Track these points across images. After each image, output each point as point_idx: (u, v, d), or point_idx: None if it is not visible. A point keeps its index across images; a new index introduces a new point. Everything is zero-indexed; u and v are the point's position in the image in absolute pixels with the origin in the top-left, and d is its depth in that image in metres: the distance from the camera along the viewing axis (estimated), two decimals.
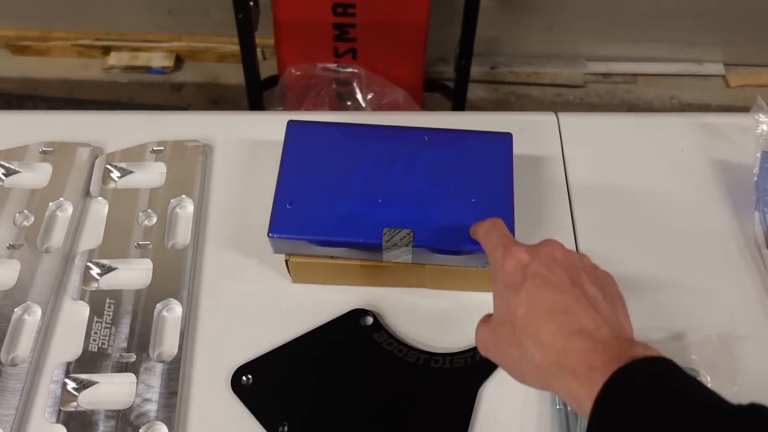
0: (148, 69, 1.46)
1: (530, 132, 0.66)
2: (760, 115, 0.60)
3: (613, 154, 0.66)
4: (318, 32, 1.14)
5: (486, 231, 0.47)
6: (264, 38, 1.27)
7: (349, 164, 0.55)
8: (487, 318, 0.46)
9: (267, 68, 1.35)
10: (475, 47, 1.21)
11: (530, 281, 0.42)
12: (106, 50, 1.46)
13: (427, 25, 1.14)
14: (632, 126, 0.69)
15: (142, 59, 1.45)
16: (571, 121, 0.68)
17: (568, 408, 0.51)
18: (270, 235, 0.52)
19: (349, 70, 1.15)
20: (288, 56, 1.18)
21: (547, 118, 0.68)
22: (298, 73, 1.13)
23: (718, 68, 1.46)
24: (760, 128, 0.60)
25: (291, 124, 0.58)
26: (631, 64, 1.46)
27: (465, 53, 1.16)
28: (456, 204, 0.53)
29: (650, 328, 0.55)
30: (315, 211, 0.53)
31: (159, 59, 1.45)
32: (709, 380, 0.52)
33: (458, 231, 0.52)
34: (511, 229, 0.52)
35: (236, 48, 1.25)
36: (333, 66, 1.14)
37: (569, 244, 0.60)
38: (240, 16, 1.10)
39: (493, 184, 0.54)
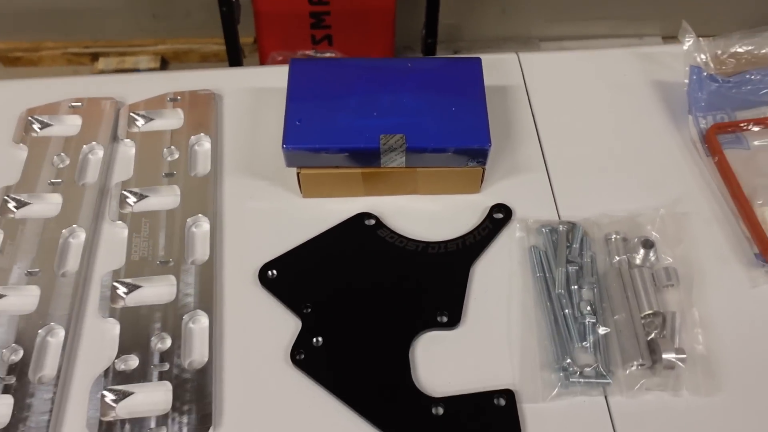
0: (135, 71, 1.55)
1: (495, 67, 0.77)
2: (686, 36, 0.72)
3: (568, 81, 0.77)
4: (296, 21, 1.25)
5: None
6: (243, 37, 1.37)
7: (347, 88, 0.65)
8: None
9: (247, 65, 1.44)
10: (438, 33, 1.33)
11: None
12: (95, 56, 1.55)
13: (394, 9, 1.25)
14: (582, 59, 0.80)
15: (129, 62, 1.54)
16: (530, 57, 0.79)
17: (546, 274, 0.61)
18: (284, 146, 0.61)
19: (327, 55, 1.25)
20: (268, 46, 1.28)
21: (509, 56, 0.79)
22: (279, 58, 1.22)
23: (656, 41, 1.61)
24: (686, 46, 0.72)
25: (294, 61, 0.67)
26: (580, 42, 1.59)
27: (430, 33, 1.27)
28: (439, 113, 0.63)
29: (612, 210, 0.65)
30: (321, 125, 0.62)
31: (145, 62, 1.54)
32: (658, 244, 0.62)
33: (443, 133, 0.62)
34: (486, 134, 0.62)
35: (218, 47, 1.35)
36: (311, 52, 1.25)
37: (535, 149, 0.70)
38: (224, 9, 1.20)
39: (469, 96, 0.65)
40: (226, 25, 1.24)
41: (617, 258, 0.62)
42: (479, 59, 0.68)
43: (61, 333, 0.57)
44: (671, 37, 1.66)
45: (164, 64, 1.58)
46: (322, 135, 0.62)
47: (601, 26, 1.55)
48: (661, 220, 0.64)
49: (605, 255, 0.63)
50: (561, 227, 0.64)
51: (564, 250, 0.62)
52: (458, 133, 0.62)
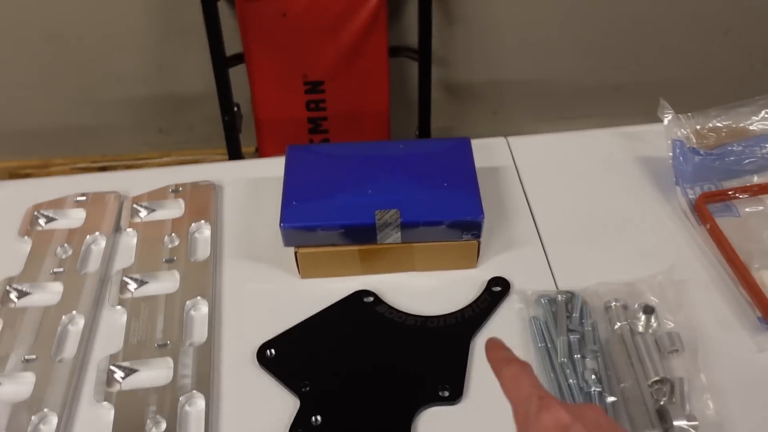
0: None
1: (485, 151, 0.80)
2: (665, 111, 0.75)
3: (556, 160, 0.80)
4: (294, 127, 1.31)
5: (515, 377, 0.42)
6: (245, 146, 1.43)
7: (342, 169, 0.67)
8: None
9: None
10: (431, 135, 1.39)
11: None
12: (103, 170, 1.60)
13: (388, 113, 1.31)
14: (569, 140, 0.83)
15: None
16: (519, 140, 0.82)
17: (548, 344, 0.60)
18: (281, 225, 0.63)
19: None
20: (269, 151, 1.33)
21: (498, 140, 0.82)
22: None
23: None
24: (666, 121, 0.75)
25: (290, 148, 0.70)
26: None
27: (423, 133, 1.33)
28: (432, 188, 0.65)
29: (609, 279, 0.65)
30: (317, 204, 0.64)
31: None
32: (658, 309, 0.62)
33: (436, 207, 0.63)
34: (479, 206, 0.64)
35: (220, 158, 1.40)
36: None
37: (529, 223, 0.72)
38: (226, 118, 1.26)
39: (460, 172, 0.67)
40: (228, 133, 1.30)
41: (618, 325, 0.61)
42: (468, 139, 0.71)
43: (54, 420, 0.56)
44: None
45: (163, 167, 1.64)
46: (319, 213, 0.63)
47: (587, 123, 1.61)
48: (659, 286, 0.64)
49: (606, 323, 0.62)
50: (560, 297, 0.64)
51: (564, 320, 0.62)
52: (451, 206, 0.64)
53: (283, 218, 0.63)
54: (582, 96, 1.58)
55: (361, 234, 0.64)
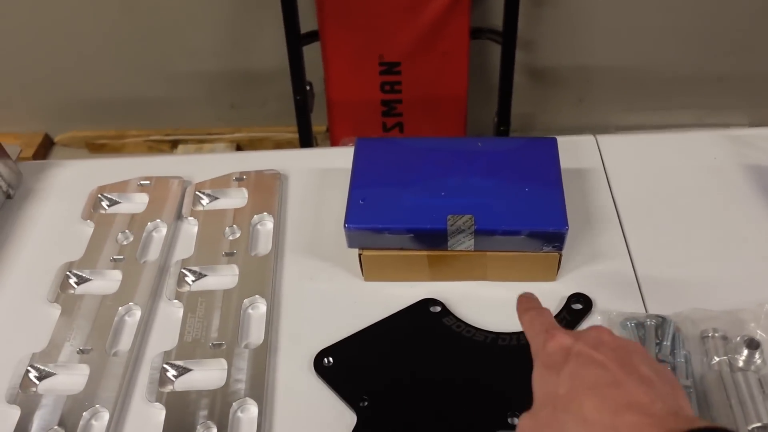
0: None
1: (572, 150, 0.73)
2: None
3: (650, 165, 0.72)
4: (367, 109, 1.26)
5: (531, 319, 0.45)
6: (316, 125, 1.40)
7: (414, 167, 0.62)
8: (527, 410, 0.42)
9: None
10: (511, 122, 1.31)
11: (573, 360, 0.39)
12: (174, 143, 1.61)
13: (466, 98, 1.25)
14: (666, 141, 0.75)
15: (206, 149, 1.60)
16: (609, 139, 0.75)
17: None
18: (346, 226, 0.59)
19: None
20: (340, 133, 1.30)
21: (587, 138, 0.75)
22: (350, 144, 1.23)
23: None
24: None
25: (360, 140, 0.66)
26: (661, 132, 1.54)
27: (503, 121, 1.26)
28: (511, 193, 0.59)
29: (707, 305, 0.58)
30: (385, 204, 0.59)
31: (221, 149, 1.59)
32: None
33: (515, 214, 0.58)
34: (563, 216, 0.58)
35: (291, 135, 1.37)
36: None
37: (617, 235, 0.65)
38: (298, 97, 1.23)
39: (544, 177, 0.61)
40: (299, 113, 1.27)
41: (716, 359, 0.54)
42: (554, 139, 0.64)
43: (105, 416, 0.54)
44: (760, 126, 1.59)
45: (239, 150, 1.63)
46: (386, 214, 0.59)
47: (684, 115, 1.49)
48: (766, 316, 0.56)
49: (701, 355, 0.55)
50: (649, 321, 0.57)
51: (653, 348, 0.55)
52: (532, 215, 0.58)
53: (348, 219, 0.59)
54: (679, 85, 1.46)
55: (431, 239, 0.59)
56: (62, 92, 1.59)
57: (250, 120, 1.59)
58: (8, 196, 0.73)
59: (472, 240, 0.58)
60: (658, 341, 0.56)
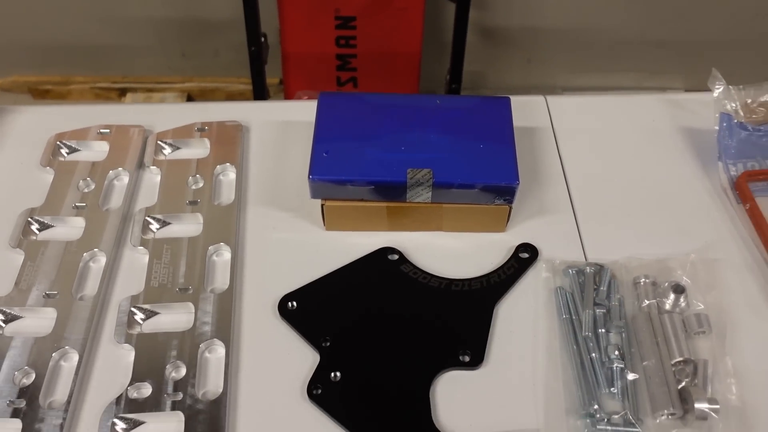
0: None
1: (523, 109, 0.76)
2: (716, 83, 0.71)
3: (595, 124, 0.77)
4: (322, 63, 1.27)
5: None
6: (269, 77, 1.39)
7: (375, 122, 0.65)
8: None
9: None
10: (462, 80, 1.34)
11: None
12: (123, 92, 1.58)
13: (420, 55, 1.27)
14: (610, 103, 0.80)
15: (156, 99, 1.57)
16: (558, 100, 0.79)
17: (572, 316, 0.59)
18: (311, 177, 0.61)
19: None
20: (295, 86, 1.30)
21: (537, 99, 0.79)
22: (305, 98, 1.24)
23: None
24: (716, 93, 0.71)
25: (323, 94, 0.68)
26: (603, 94, 1.60)
27: (455, 79, 1.29)
28: (467, 149, 0.63)
29: (640, 254, 0.63)
30: (348, 157, 0.62)
31: (172, 98, 1.57)
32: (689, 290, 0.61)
33: (470, 169, 0.61)
34: (515, 171, 0.62)
35: (243, 87, 1.37)
36: None
37: (562, 190, 0.70)
38: (252, 48, 1.23)
39: (498, 134, 0.64)
40: (253, 64, 1.26)
41: (646, 302, 0.60)
42: (508, 98, 0.68)
43: (75, 357, 0.56)
44: (694, 91, 1.67)
45: (189, 101, 1.61)
46: (349, 167, 0.61)
47: (625, 78, 1.56)
48: (692, 265, 0.62)
49: (633, 299, 0.61)
50: (588, 269, 0.62)
51: (591, 293, 0.61)
52: (486, 170, 0.61)
53: (313, 170, 0.61)
54: (622, 49, 1.52)
55: (391, 191, 0.62)
56: (4, 35, 1.53)
57: (201, 70, 1.57)
58: None
59: (430, 192, 0.62)
60: (596, 287, 0.61)
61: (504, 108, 0.67)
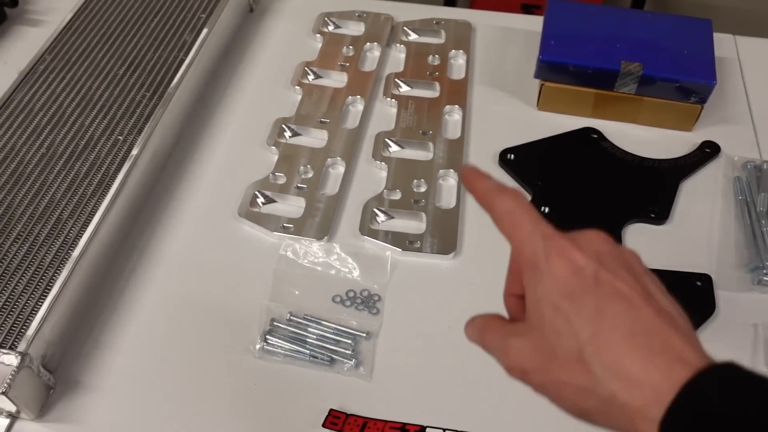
0: None
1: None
2: None
3: None
4: None
5: (510, 211, 0.37)
6: None
7: (595, 23, 0.79)
8: (506, 325, 0.37)
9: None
10: None
11: (594, 292, 0.33)
12: None
13: None
14: None
15: None
16: (749, 42, 0.89)
17: (747, 198, 0.70)
18: (540, 57, 0.75)
19: None
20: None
21: (725, 36, 0.89)
22: None
23: None
24: None
25: (551, 1, 0.82)
26: None
27: None
28: (673, 51, 0.75)
29: None
30: (571, 45, 0.76)
31: None
32: None
33: (675, 67, 0.74)
34: (713, 72, 0.73)
35: None
36: None
37: (744, 109, 0.80)
38: None
39: (699, 44, 0.77)
40: None
41: None
42: (710, 20, 0.79)
43: (341, 167, 0.73)
44: None
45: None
46: (573, 52, 0.75)
47: None
48: None
49: None
50: (766, 165, 0.73)
51: (767, 182, 0.71)
52: (689, 68, 0.73)
53: (543, 51, 0.75)
54: None
55: (603, 78, 0.75)
56: None
57: None
58: (250, 10, 0.92)
59: (636, 84, 0.74)
60: None
61: (706, 26, 0.79)
